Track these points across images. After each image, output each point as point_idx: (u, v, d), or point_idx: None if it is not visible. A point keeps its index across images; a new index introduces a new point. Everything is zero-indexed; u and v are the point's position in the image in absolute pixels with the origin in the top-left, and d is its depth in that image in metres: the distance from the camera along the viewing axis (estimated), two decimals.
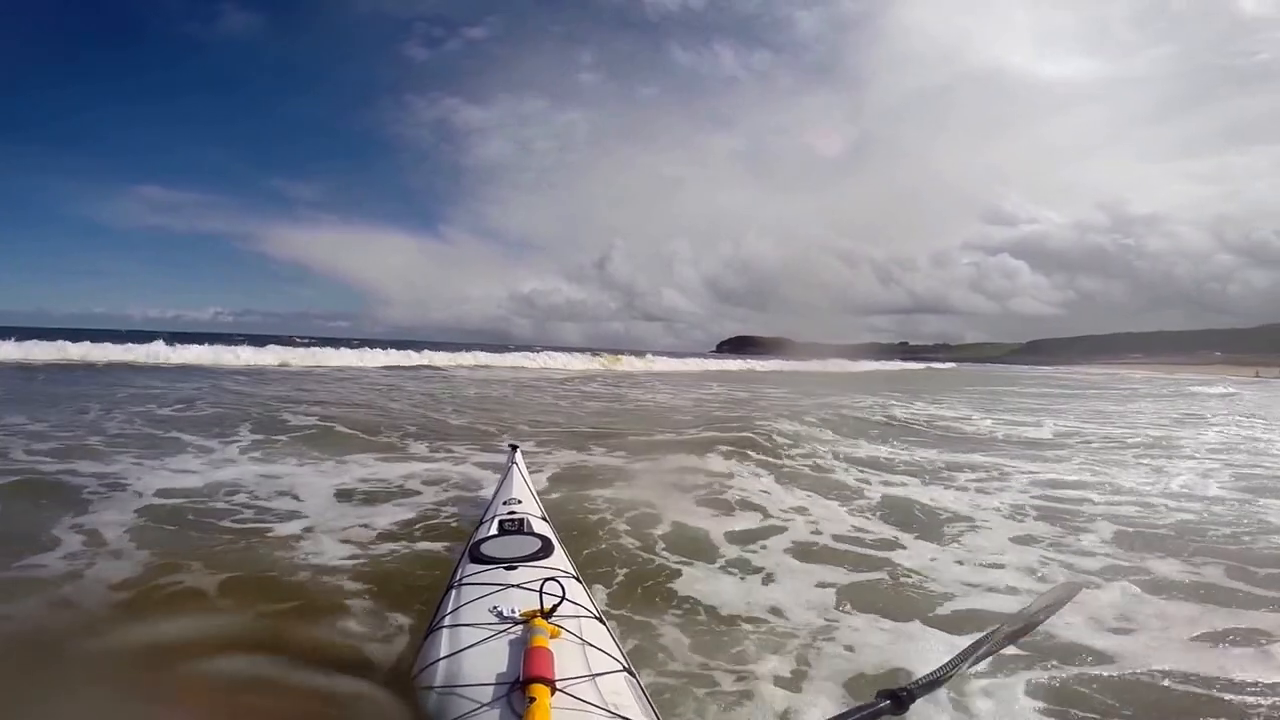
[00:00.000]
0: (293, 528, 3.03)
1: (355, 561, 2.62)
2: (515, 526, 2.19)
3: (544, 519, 2.42)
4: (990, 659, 1.42)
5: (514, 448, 3.24)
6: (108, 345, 16.18)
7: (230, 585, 2.34)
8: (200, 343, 18.27)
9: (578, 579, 1.85)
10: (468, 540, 2.15)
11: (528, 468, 3.09)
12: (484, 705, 1.20)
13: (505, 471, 2.95)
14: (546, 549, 1.97)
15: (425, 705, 1.31)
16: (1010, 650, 1.68)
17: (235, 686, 1.70)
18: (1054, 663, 1.92)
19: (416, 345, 26.76)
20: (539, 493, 2.76)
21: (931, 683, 1.23)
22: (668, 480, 4.16)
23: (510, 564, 1.83)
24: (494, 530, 2.16)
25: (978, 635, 1.46)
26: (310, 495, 3.59)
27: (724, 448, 5.19)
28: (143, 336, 20.80)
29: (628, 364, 27.26)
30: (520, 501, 2.50)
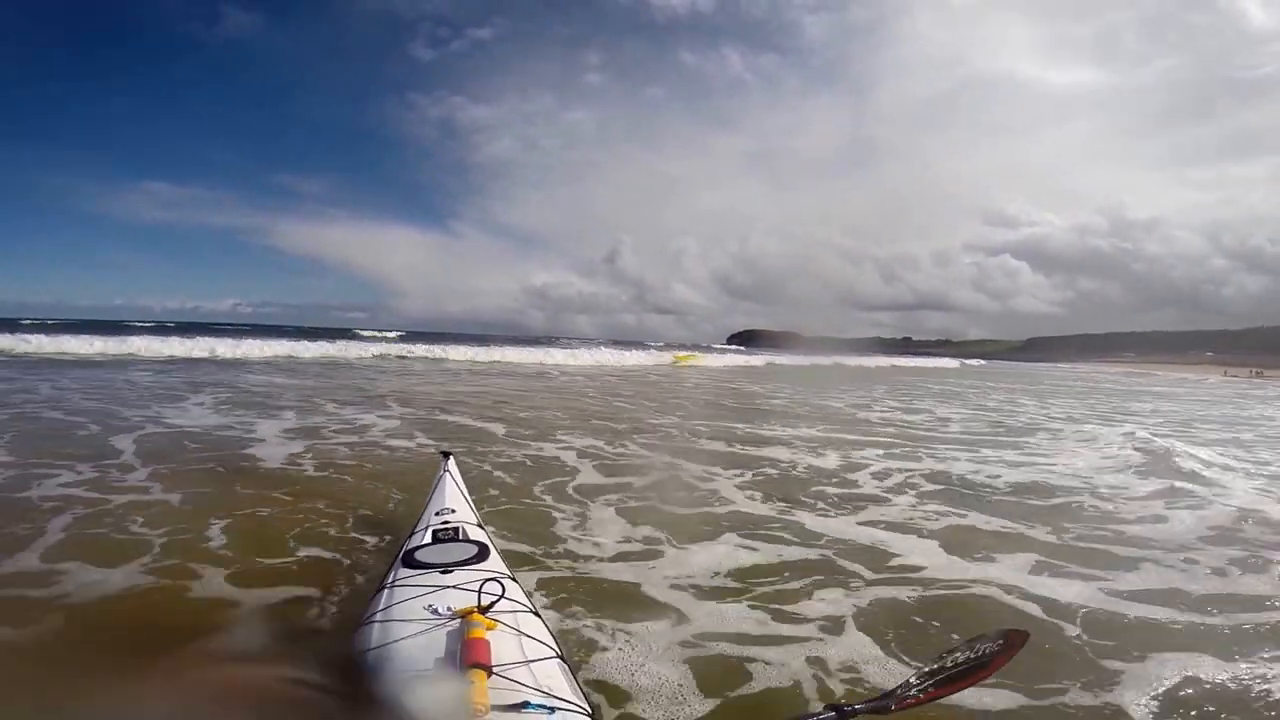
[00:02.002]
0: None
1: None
2: (450, 534, 2.16)
3: (480, 526, 2.38)
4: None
5: (446, 455, 3.08)
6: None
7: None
8: (214, 334, 20.16)
9: (514, 580, 1.86)
10: (398, 549, 2.14)
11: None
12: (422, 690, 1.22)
13: (437, 480, 2.83)
14: (483, 554, 1.97)
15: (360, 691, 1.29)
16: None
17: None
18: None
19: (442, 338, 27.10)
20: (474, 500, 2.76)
21: (878, 706, 1.26)
22: None
23: (446, 568, 1.84)
24: (427, 539, 2.14)
25: (931, 664, 1.43)
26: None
27: None
28: (163, 330, 23.50)
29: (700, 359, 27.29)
30: (454, 510, 2.45)
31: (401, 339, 30.70)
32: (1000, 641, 1.45)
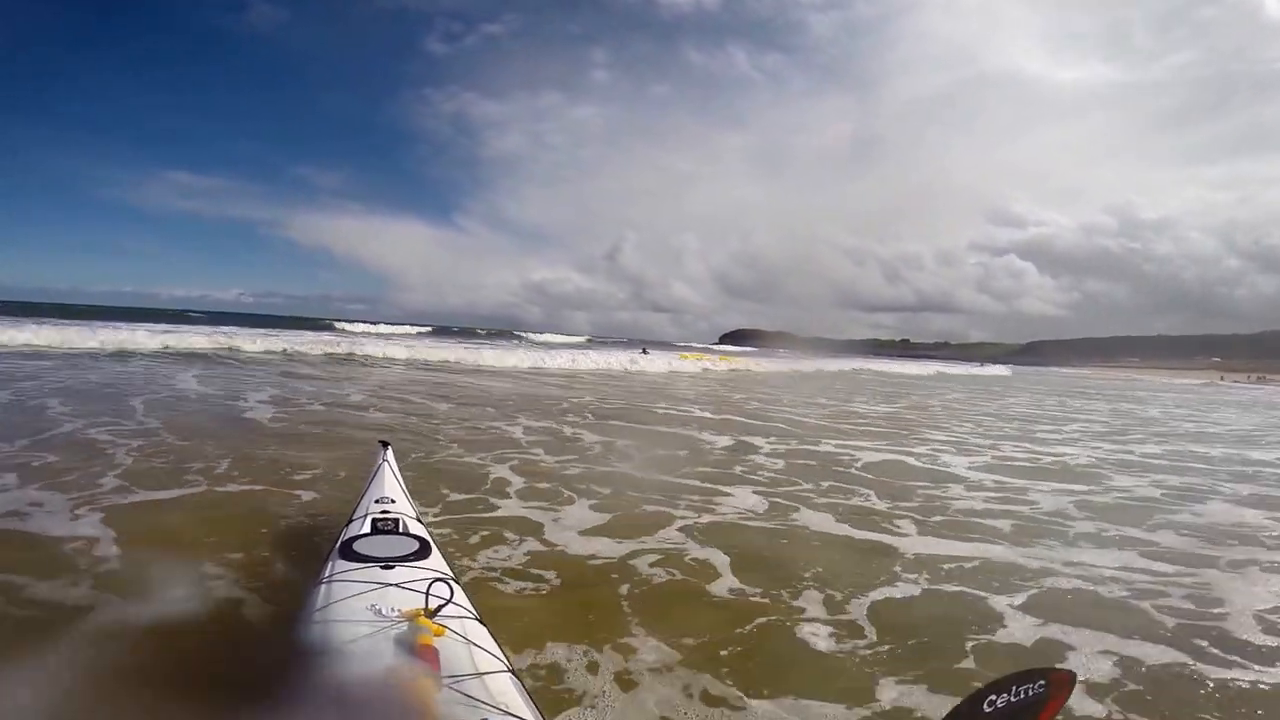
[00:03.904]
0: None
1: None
2: (390, 526, 2.11)
3: (418, 520, 2.35)
4: None
5: (385, 444, 3.02)
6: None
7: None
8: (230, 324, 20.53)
9: (456, 581, 1.80)
10: (336, 538, 2.09)
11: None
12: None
13: (376, 468, 2.76)
14: (425, 550, 1.93)
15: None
16: None
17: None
18: None
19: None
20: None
21: None
22: None
23: (387, 563, 1.79)
24: (367, 529, 2.09)
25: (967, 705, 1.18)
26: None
27: None
28: (171, 316, 23.56)
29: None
30: (394, 501, 2.41)
31: (423, 335, 30.72)
32: (1042, 683, 1.28)
